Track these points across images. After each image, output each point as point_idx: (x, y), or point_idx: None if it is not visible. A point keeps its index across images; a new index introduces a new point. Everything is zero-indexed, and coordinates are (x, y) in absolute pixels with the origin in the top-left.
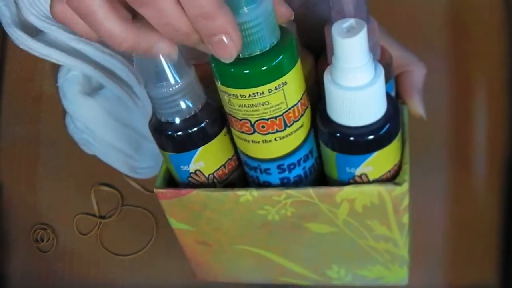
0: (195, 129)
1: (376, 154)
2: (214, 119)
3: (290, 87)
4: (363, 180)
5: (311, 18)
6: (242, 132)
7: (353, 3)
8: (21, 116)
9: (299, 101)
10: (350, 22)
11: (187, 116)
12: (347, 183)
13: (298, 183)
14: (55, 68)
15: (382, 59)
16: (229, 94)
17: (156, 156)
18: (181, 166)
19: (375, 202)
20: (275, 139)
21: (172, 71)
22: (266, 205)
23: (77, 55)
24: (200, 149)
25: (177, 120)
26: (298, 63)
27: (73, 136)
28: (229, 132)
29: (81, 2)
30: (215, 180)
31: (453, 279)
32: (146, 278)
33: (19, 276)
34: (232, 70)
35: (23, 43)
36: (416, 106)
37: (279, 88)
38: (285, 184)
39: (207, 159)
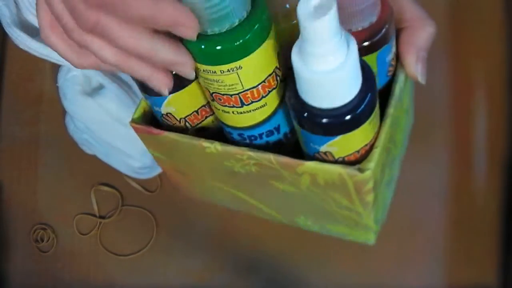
0: None
1: (340, 137)
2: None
3: (246, 71)
4: (327, 157)
5: None
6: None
7: None
8: (21, 116)
9: (259, 84)
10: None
11: None
12: (312, 157)
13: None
14: (55, 68)
15: (381, 17)
16: None
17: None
18: (154, 107)
19: (336, 181)
20: (233, 112)
21: None
22: (230, 159)
23: None
24: (169, 96)
25: None
26: (264, 46)
27: (73, 136)
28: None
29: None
30: (187, 124)
31: (453, 279)
32: (146, 278)
33: (19, 276)
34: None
35: (23, 43)
36: (412, 67)
37: (232, 71)
38: (248, 145)
39: (178, 105)
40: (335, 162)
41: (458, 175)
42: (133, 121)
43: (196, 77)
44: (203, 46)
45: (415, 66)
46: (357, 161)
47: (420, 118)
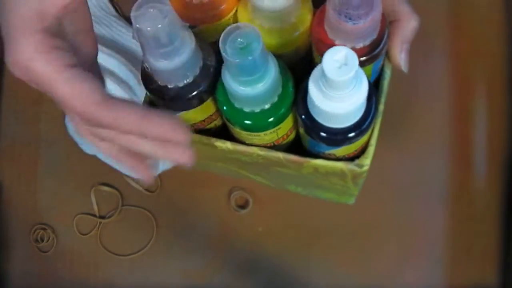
0: (188, 96)
1: (344, 146)
2: (207, 87)
3: (283, 129)
4: (330, 156)
5: None
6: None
7: None
8: (21, 116)
9: (288, 130)
10: (342, 55)
11: (184, 83)
12: (316, 155)
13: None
14: None
15: (380, 33)
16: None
17: None
18: None
19: (337, 172)
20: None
21: (175, 46)
22: (239, 155)
23: None
24: (181, 112)
25: (171, 86)
26: (290, 112)
27: (73, 136)
28: (214, 99)
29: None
30: (191, 129)
31: (453, 279)
32: (146, 278)
33: (19, 276)
34: (238, 120)
35: None
36: (397, 57)
37: (273, 132)
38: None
39: (185, 118)
40: (337, 159)
41: (458, 175)
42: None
43: (203, 101)
44: (252, 121)
45: (399, 57)
46: (355, 156)
47: (420, 118)
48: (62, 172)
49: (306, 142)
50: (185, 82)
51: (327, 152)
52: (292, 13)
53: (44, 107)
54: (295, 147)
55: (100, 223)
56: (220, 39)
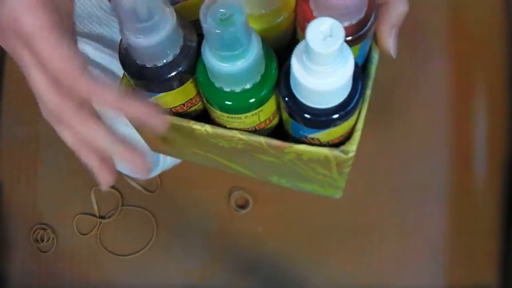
0: (167, 76)
1: (329, 129)
2: (187, 67)
3: (265, 111)
4: (314, 142)
5: None
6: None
7: None
8: (21, 116)
9: (271, 115)
10: (327, 26)
11: (163, 63)
12: (298, 140)
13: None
14: None
15: (367, 13)
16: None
17: (156, 156)
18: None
19: (321, 159)
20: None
21: (154, 21)
22: (219, 139)
23: None
24: (160, 94)
25: (150, 65)
26: (273, 93)
27: None
28: (194, 81)
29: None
30: (172, 112)
31: (453, 279)
32: (146, 278)
33: (19, 276)
34: (218, 101)
35: None
36: (386, 42)
37: (255, 114)
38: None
39: (164, 101)
40: (321, 145)
41: (458, 175)
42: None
43: (183, 83)
44: (232, 102)
45: (387, 41)
46: (340, 142)
47: (420, 118)
48: (62, 172)
49: (289, 126)
50: (164, 61)
51: (311, 136)
52: None
53: None
54: (278, 134)
55: (100, 223)
56: (201, 8)
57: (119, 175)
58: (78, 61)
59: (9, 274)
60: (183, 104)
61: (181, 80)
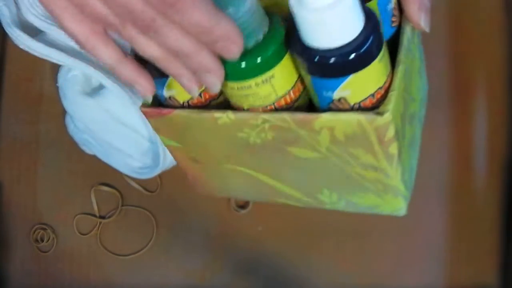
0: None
1: (351, 77)
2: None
3: (278, 79)
4: (342, 105)
5: None
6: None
7: None
8: (21, 116)
9: (291, 89)
10: None
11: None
12: (327, 109)
13: None
14: (55, 68)
15: None
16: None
17: (156, 156)
18: (158, 91)
19: (357, 132)
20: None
21: None
22: (245, 128)
23: (77, 55)
24: (169, 78)
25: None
26: (286, 55)
27: (73, 136)
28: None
29: None
30: (189, 107)
31: (453, 279)
32: (146, 278)
33: (19, 276)
34: (224, 63)
35: (23, 43)
36: (415, 15)
37: (266, 81)
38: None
39: (178, 87)
40: (351, 109)
41: (458, 175)
42: (143, 105)
43: (221, 93)
44: (242, 62)
45: (418, 14)
46: (374, 106)
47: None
48: (62, 172)
49: (312, 89)
50: None
51: (337, 95)
52: None
53: (44, 107)
54: None
55: (100, 223)
56: None
57: (119, 175)
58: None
59: (9, 274)
60: (200, 95)
61: None
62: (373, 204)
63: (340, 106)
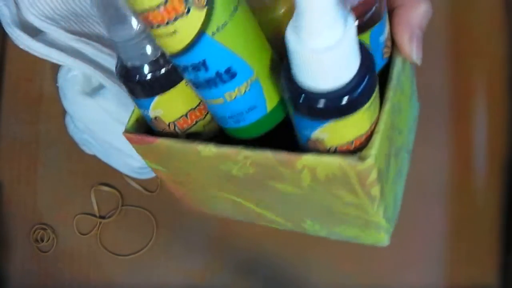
0: (152, 76)
1: (330, 123)
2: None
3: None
4: (318, 146)
5: None
6: None
7: None
8: (21, 116)
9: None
10: None
11: (150, 61)
12: (306, 149)
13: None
14: (55, 68)
15: None
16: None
17: None
18: (143, 111)
19: (337, 174)
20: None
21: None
22: (227, 161)
23: (77, 55)
24: (156, 97)
25: (139, 64)
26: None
27: (73, 136)
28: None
29: None
30: (176, 129)
31: (453, 279)
32: (146, 278)
33: (19, 276)
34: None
35: (23, 43)
36: (406, 46)
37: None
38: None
39: (165, 107)
40: (328, 151)
41: (458, 175)
42: (127, 131)
43: (183, 78)
44: None
45: (409, 46)
46: (355, 149)
47: (420, 118)
48: (62, 172)
49: (295, 127)
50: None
51: (314, 134)
52: None
53: (44, 107)
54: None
55: (100, 223)
56: None
57: (119, 175)
58: None
59: (9, 274)
60: (186, 116)
61: (172, 80)
62: (355, 235)
63: (317, 146)
